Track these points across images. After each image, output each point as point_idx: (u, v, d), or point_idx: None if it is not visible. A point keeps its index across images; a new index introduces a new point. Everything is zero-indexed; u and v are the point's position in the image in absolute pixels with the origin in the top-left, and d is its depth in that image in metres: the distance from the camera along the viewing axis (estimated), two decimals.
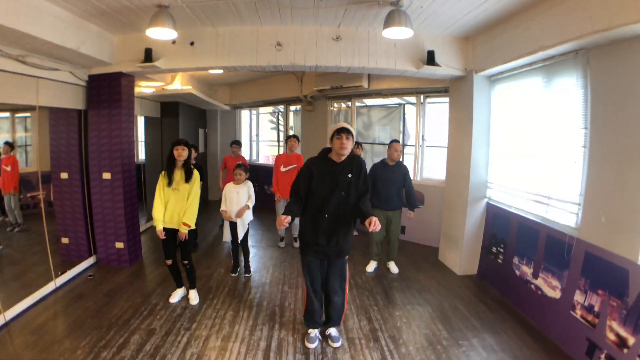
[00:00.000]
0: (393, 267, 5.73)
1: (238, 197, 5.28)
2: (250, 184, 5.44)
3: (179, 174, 4.34)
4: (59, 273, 4.99)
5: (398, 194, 5.55)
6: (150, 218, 7.88)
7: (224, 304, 4.60)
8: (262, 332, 3.97)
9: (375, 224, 3.18)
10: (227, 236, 5.48)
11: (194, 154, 6.30)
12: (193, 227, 4.40)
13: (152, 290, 4.84)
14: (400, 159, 5.59)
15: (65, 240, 5.63)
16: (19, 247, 5.49)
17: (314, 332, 3.82)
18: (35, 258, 5.03)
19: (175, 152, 4.30)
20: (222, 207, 5.33)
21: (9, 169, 5.29)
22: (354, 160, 3.55)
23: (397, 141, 5.60)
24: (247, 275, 5.49)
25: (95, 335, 3.80)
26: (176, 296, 4.65)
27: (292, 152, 6.57)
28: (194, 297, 4.62)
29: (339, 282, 3.73)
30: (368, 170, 5.55)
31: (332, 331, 3.87)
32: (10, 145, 5.34)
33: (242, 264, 5.65)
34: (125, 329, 3.95)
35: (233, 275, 5.49)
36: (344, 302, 3.86)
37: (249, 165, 7.49)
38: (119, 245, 5.65)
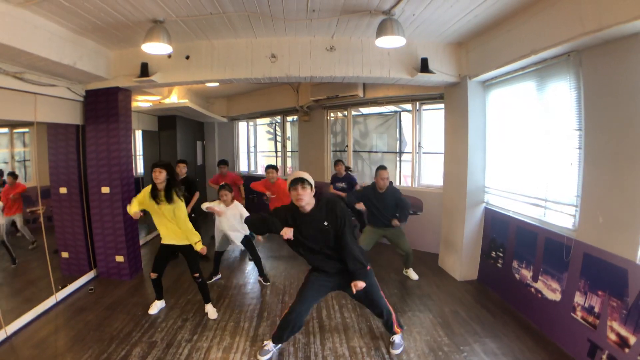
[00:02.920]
0: (412, 274, 5.72)
1: (227, 218, 5.30)
2: (240, 206, 5.41)
3: (161, 195, 4.27)
4: (60, 287, 4.99)
5: (392, 214, 5.39)
6: (149, 231, 7.90)
7: (225, 315, 4.59)
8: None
9: (357, 287, 3.38)
10: (220, 245, 5.55)
11: (184, 169, 6.31)
12: (198, 241, 4.37)
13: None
14: (390, 183, 5.45)
15: (65, 254, 5.64)
16: (19, 262, 5.49)
17: (270, 345, 3.73)
18: (35, 272, 5.04)
19: (153, 175, 4.23)
20: (208, 205, 5.31)
21: (15, 197, 5.42)
22: (329, 208, 3.41)
23: (383, 168, 5.40)
24: (266, 283, 5.53)
25: (97, 348, 3.80)
26: (155, 308, 4.65)
27: (274, 182, 6.56)
28: (211, 311, 4.58)
29: (374, 294, 3.64)
30: (362, 191, 5.61)
31: (396, 337, 3.84)
32: (14, 176, 5.43)
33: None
34: (126, 342, 3.95)
35: (208, 281, 5.49)
36: (389, 310, 3.76)
37: (242, 180, 7.53)
38: (119, 258, 5.65)
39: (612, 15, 2.95)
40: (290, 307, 3.63)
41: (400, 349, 3.79)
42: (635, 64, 3.07)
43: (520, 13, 4.13)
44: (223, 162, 7.75)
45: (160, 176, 4.22)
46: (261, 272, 5.61)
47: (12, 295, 4.93)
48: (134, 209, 4.32)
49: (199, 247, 4.36)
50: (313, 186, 3.38)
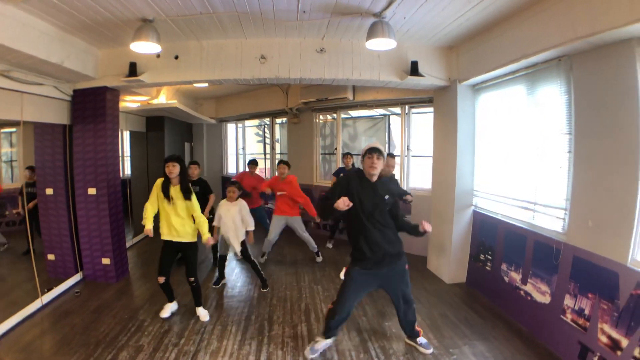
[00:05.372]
0: None
1: (227, 218, 5.22)
2: (243, 203, 5.34)
3: (175, 190, 4.28)
4: (46, 290, 4.89)
5: None
6: (136, 233, 7.81)
7: (212, 318, 4.54)
8: (250, 346, 3.93)
9: (427, 226, 3.59)
10: (223, 249, 5.46)
11: (197, 171, 6.22)
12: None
13: (140, 307, 4.77)
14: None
15: (51, 256, 5.53)
16: (4, 265, 5.39)
17: (322, 343, 3.76)
18: (21, 275, 4.95)
19: (166, 170, 4.23)
20: (215, 223, 5.32)
21: None
22: (392, 183, 3.57)
23: (392, 155, 5.32)
24: (264, 290, 5.38)
25: (83, 352, 3.73)
26: (167, 310, 4.57)
27: (284, 178, 6.40)
28: (203, 314, 4.53)
29: (405, 289, 3.69)
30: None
31: (421, 339, 3.88)
32: None
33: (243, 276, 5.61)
34: (113, 345, 3.88)
35: (215, 286, 5.46)
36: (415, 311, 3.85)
37: (264, 182, 7.27)
38: (106, 261, 5.56)
39: (606, 20, 2.97)
40: (333, 309, 3.67)
41: (431, 347, 3.86)
42: (625, 69, 3.11)
43: (512, 17, 4.15)
44: (254, 162, 7.73)
45: (175, 170, 4.24)
46: (260, 277, 5.47)
47: None
48: (150, 223, 4.31)
49: (206, 237, 4.39)
50: (385, 159, 3.58)
